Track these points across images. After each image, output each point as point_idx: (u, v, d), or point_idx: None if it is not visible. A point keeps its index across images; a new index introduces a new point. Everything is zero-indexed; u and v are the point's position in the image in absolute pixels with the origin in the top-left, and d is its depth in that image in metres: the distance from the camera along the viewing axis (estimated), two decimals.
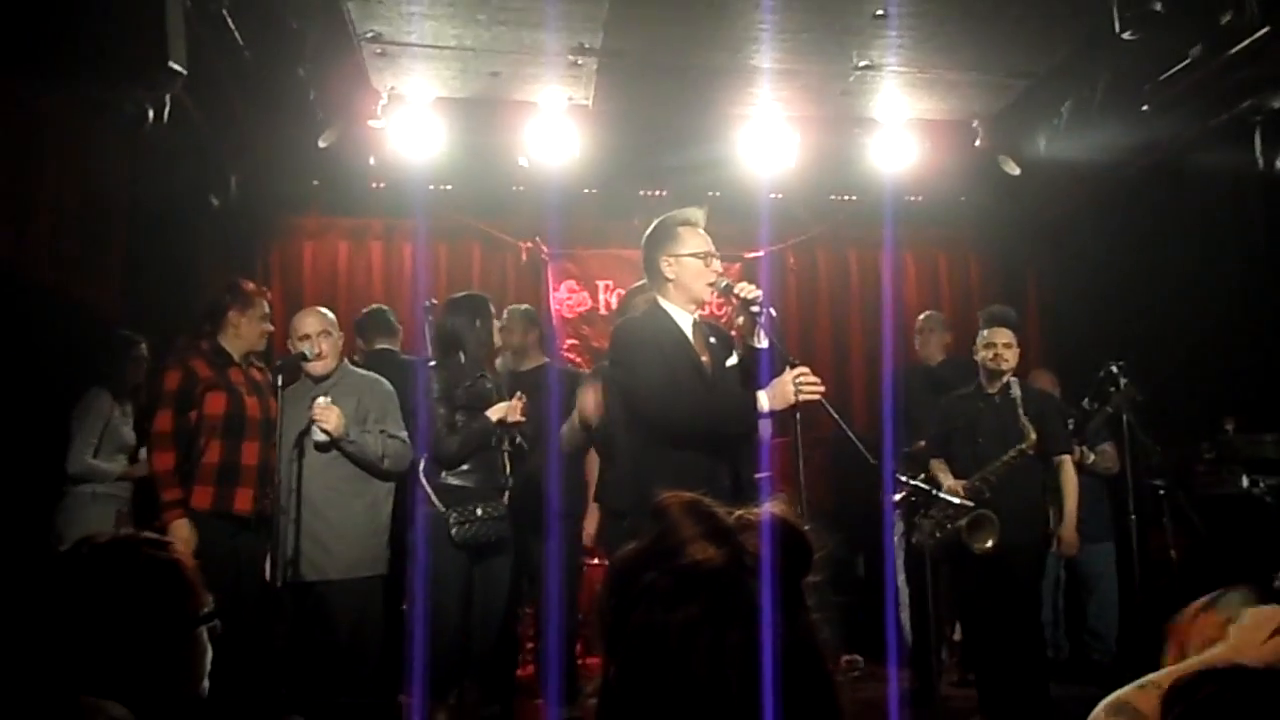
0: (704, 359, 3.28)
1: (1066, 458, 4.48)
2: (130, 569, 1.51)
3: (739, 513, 0.98)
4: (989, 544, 4.19)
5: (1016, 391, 4.39)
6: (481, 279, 6.83)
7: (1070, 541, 4.46)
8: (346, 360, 4.36)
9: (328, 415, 3.96)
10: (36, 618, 1.47)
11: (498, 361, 5.13)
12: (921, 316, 5.91)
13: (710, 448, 3.16)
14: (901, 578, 5.49)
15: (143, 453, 4.49)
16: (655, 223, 3.42)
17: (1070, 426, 5.09)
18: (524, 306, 5.35)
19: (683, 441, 3.13)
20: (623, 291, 6.70)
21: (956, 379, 4.95)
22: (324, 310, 4.37)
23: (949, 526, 4.29)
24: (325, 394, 4.04)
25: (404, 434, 4.15)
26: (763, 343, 3.23)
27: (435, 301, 4.55)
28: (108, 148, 4.82)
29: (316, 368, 4.12)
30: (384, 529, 4.13)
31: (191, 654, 1.57)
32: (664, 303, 3.36)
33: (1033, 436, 4.29)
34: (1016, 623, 4.27)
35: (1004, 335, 4.48)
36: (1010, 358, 4.45)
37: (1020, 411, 4.32)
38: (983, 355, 4.51)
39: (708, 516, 0.95)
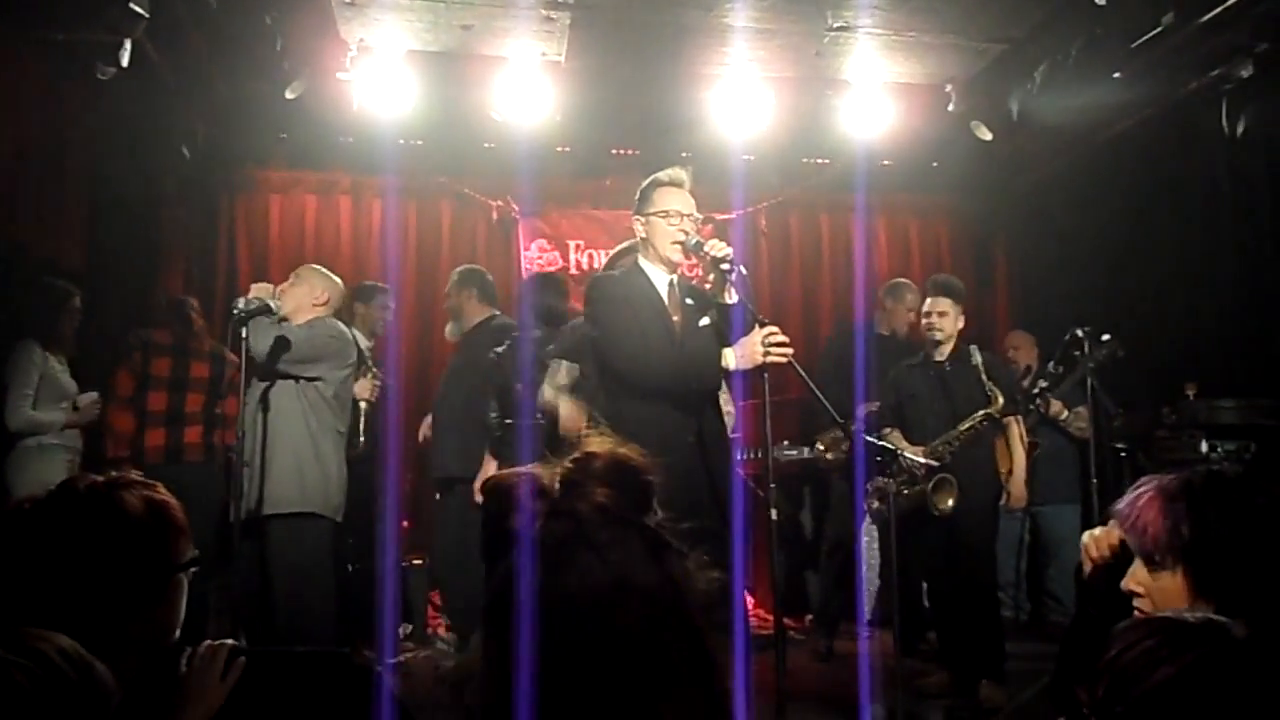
0: (675, 319, 3.31)
1: (1015, 418, 4.58)
2: (121, 510, 1.49)
3: (568, 464, 0.97)
4: (949, 504, 4.28)
5: (978, 359, 4.47)
6: (451, 237, 6.78)
7: (1018, 496, 4.56)
8: (329, 318, 4.30)
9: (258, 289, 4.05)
10: (19, 558, 1.45)
11: (447, 329, 5.18)
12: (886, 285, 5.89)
13: (676, 403, 3.19)
14: (865, 540, 5.57)
15: (82, 399, 4.50)
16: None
17: (1042, 387, 5.17)
18: (458, 270, 5.39)
19: (649, 395, 3.16)
20: (594, 252, 6.72)
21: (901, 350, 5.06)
22: (316, 268, 4.37)
23: (909, 490, 4.36)
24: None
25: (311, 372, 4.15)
26: (732, 298, 3.24)
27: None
28: (71, 97, 4.72)
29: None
30: (325, 472, 4.10)
31: (172, 601, 1.56)
32: (642, 262, 3.42)
33: (1000, 401, 4.40)
34: (972, 580, 4.37)
35: (940, 304, 4.57)
36: (945, 325, 4.54)
37: (984, 377, 4.40)
38: (922, 324, 4.67)
39: (527, 484, 0.95)
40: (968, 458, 4.40)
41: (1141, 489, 1.60)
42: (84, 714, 1.07)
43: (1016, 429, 4.59)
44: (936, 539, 4.45)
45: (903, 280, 5.82)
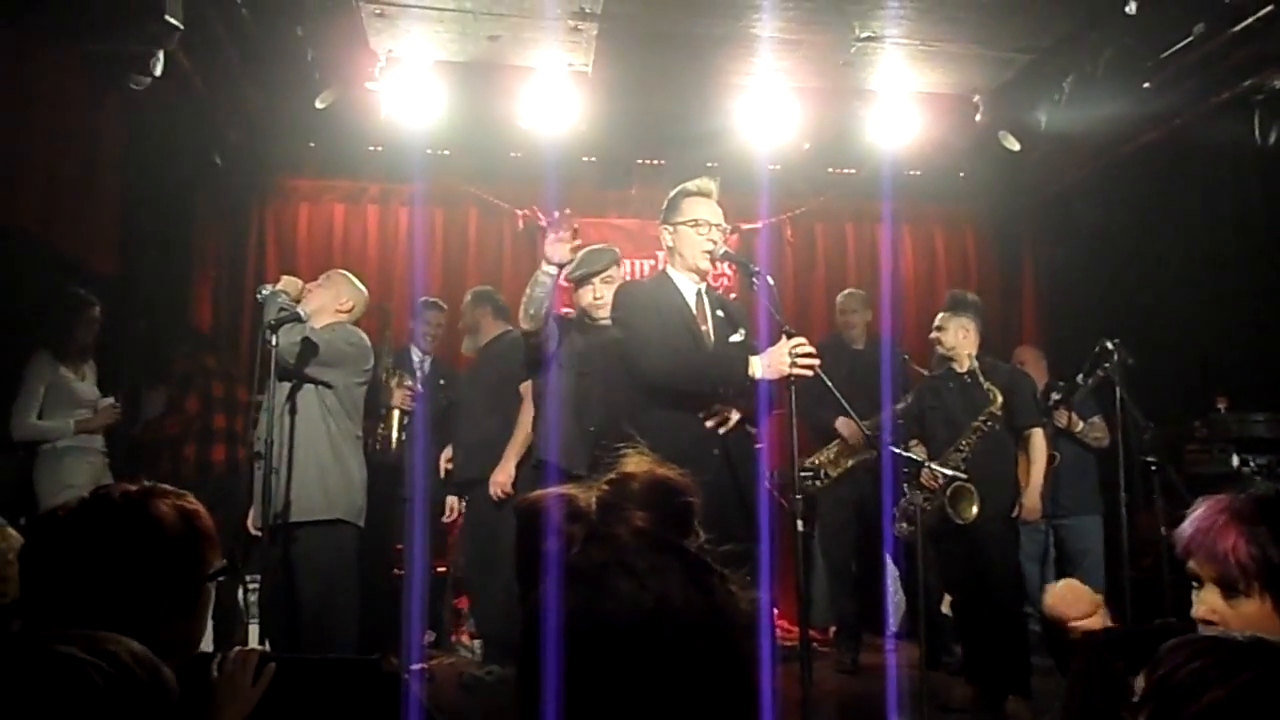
0: (704, 328, 3.31)
1: (1037, 430, 4.57)
2: (155, 520, 1.51)
3: (604, 486, 0.94)
4: (973, 512, 4.27)
5: (974, 365, 4.55)
6: (478, 246, 6.81)
7: (1031, 508, 4.54)
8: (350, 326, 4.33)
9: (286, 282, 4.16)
10: (51, 569, 1.47)
11: (464, 344, 5.29)
12: (841, 295, 5.92)
13: (701, 410, 3.18)
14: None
15: (102, 403, 4.58)
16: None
17: (1054, 399, 5.14)
18: (472, 290, 5.52)
19: (676, 404, 3.16)
20: None
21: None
22: (345, 274, 4.45)
23: (929, 506, 4.36)
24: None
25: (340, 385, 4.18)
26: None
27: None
28: (105, 107, 4.78)
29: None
30: (347, 476, 4.11)
31: (200, 610, 1.57)
32: (670, 270, 3.43)
33: (999, 400, 4.44)
34: (994, 593, 4.34)
35: (942, 318, 4.64)
36: (947, 340, 4.59)
37: (981, 379, 4.43)
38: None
39: (564, 500, 0.93)
40: (988, 469, 4.39)
41: (1206, 513, 1.53)
42: (152, 714, 1.10)
43: (1039, 440, 4.57)
44: (959, 551, 4.44)
45: (854, 291, 5.88)
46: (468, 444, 5.01)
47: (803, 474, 4.99)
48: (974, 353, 4.59)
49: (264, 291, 4.08)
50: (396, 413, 5.02)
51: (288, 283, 4.20)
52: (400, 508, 5.03)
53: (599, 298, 4.12)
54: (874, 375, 4.92)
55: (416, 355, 5.37)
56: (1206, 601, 1.50)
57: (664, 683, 0.83)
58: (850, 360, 5.45)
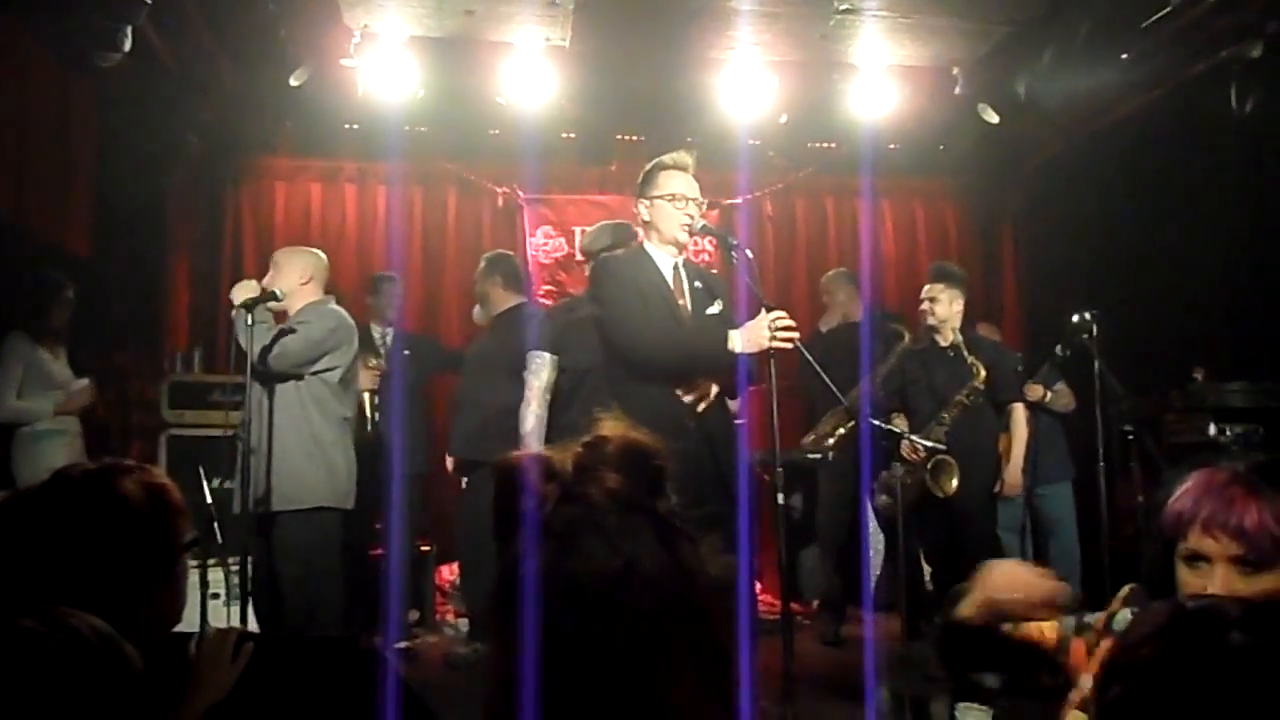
0: (681, 301, 3.29)
1: (1018, 405, 4.58)
2: (119, 495, 1.50)
3: (580, 448, 0.96)
4: (953, 485, 4.30)
5: (958, 338, 4.55)
6: (457, 223, 6.77)
7: (1012, 484, 4.55)
8: (325, 300, 4.30)
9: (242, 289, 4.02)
10: (19, 548, 1.45)
11: (475, 312, 5.19)
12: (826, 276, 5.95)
13: (681, 387, 3.18)
14: (873, 525, 5.59)
15: (74, 385, 4.53)
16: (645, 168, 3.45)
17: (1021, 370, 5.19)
18: (486, 255, 5.36)
19: (654, 378, 3.16)
20: None
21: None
22: (289, 250, 4.38)
23: (910, 479, 4.38)
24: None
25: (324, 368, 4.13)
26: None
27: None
28: (75, 86, 4.71)
29: (277, 307, 4.11)
30: (330, 465, 4.09)
31: (176, 582, 1.57)
32: (647, 245, 3.40)
33: (982, 373, 4.45)
34: (974, 565, 4.35)
35: (934, 290, 4.61)
36: (940, 311, 4.57)
37: (965, 353, 4.44)
38: (919, 310, 4.73)
39: (540, 461, 0.94)
40: (969, 443, 4.40)
41: (1208, 487, 1.45)
42: (112, 688, 1.11)
43: (1020, 415, 4.59)
44: (938, 523, 4.46)
45: (837, 271, 5.90)
46: (469, 423, 4.91)
47: (811, 455, 5.04)
48: (958, 325, 4.60)
49: (246, 319, 3.92)
50: (366, 394, 4.98)
51: (243, 289, 4.06)
52: (378, 486, 5.01)
53: None
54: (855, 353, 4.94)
55: (377, 331, 5.29)
56: (1222, 580, 1.42)
57: (631, 638, 0.85)
58: (835, 339, 5.48)
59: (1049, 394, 5.38)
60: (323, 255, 4.37)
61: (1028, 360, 5.34)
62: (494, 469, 0.96)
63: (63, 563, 1.43)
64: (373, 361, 5.02)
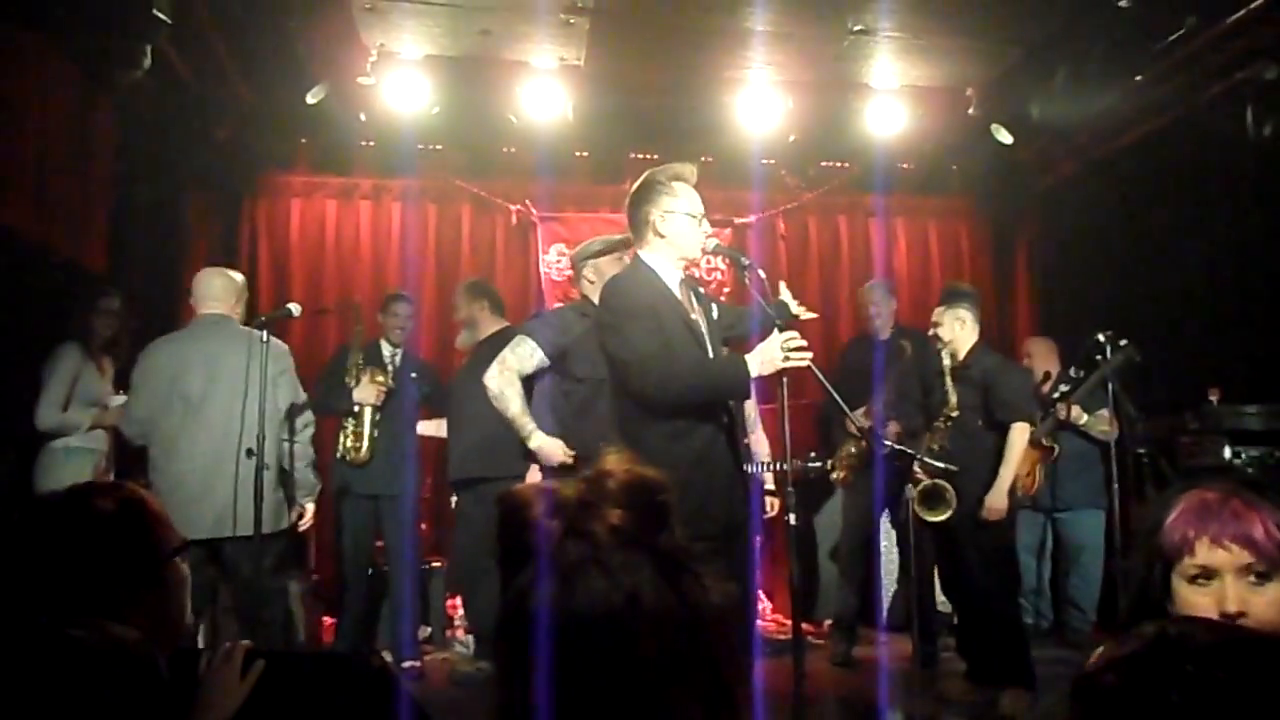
0: (694, 317, 3.24)
1: (1016, 425, 4.40)
2: (91, 510, 1.54)
3: (583, 484, 0.96)
4: (944, 513, 4.25)
5: (945, 362, 4.44)
6: (471, 241, 6.79)
7: (992, 507, 4.33)
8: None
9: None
10: (13, 570, 1.50)
11: (459, 338, 5.23)
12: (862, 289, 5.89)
13: (704, 417, 3.12)
14: (885, 543, 5.57)
15: (112, 400, 4.53)
16: (644, 176, 3.28)
17: (1061, 392, 5.13)
18: (467, 281, 5.46)
19: (672, 412, 3.08)
20: None
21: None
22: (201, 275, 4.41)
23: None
24: None
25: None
26: (795, 309, 3.21)
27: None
28: (95, 103, 4.76)
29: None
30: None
31: (170, 589, 1.58)
32: (649, 259, 3.22)
33: (952, 400, 4.36)
34: (976, 583, 4.31)
35: (941, 313, 4.56)
36: (944, 334, 4.50)
37: (947, 379, 4.39)
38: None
39: (544, 496, 0.94)
40: (964, 461, 4.28)
41: (1207, 504, 1.48)
42: (148, 695, 1.16)
43: (1014, 436, 4.40)
44: (941, 543, 4.42)
45: (875, 282, 5.82)
46: (464, 443, 4.95)
47: (811, 465, 5.00)
48: (974, 343, 4.54)
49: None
50: (369, 410, 5.00)
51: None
52: (375, 505, 5.02)
53: None
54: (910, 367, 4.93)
55: (387, 350, 5.28)
56: (1234, 592, 1.45)
57: (635, 676, 0.86)
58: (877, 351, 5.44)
59: (1086, 417, 5.30)
60: (232, 277, 4.38)
61: (1059, 379, 5.30)
62: (498, 500, 0.97)
63: (44, 577, 1.48)
64: (379, 378, 5.04)
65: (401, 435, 5.06)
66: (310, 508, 4.28)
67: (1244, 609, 1.44)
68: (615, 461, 0.97)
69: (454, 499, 5.15)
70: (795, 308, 3.31)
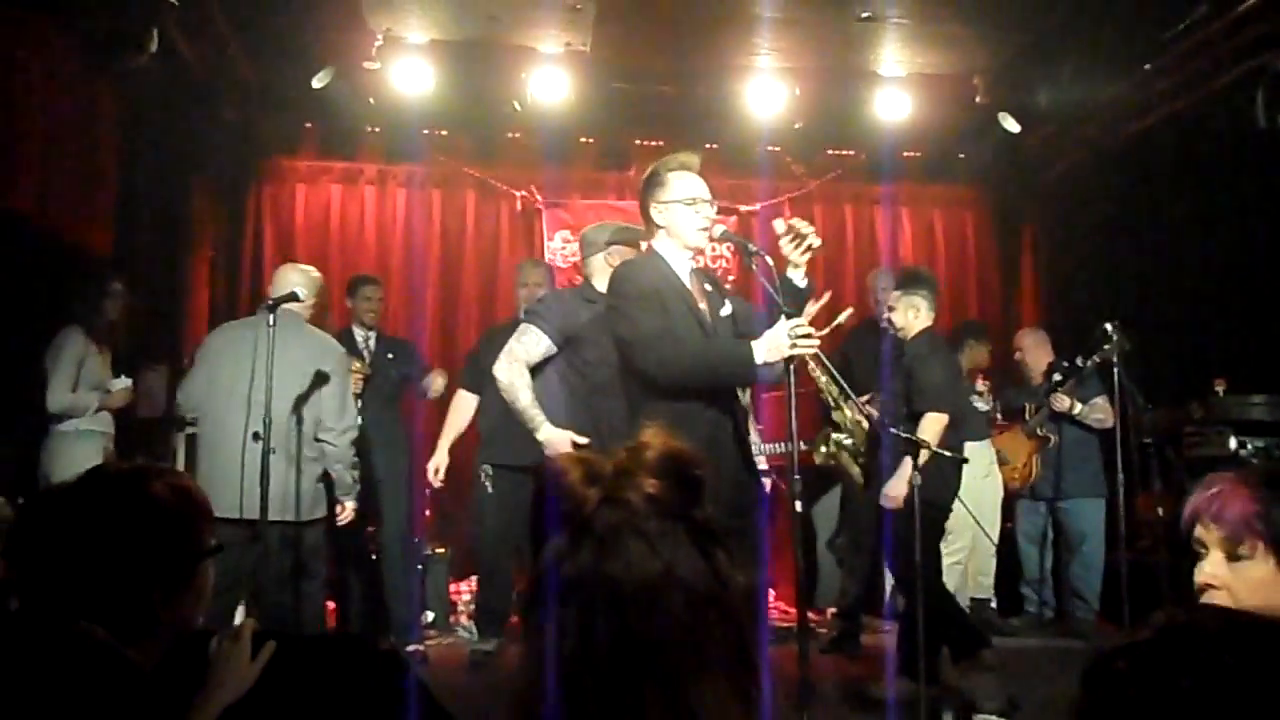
0: (701, 306, 3.26)
1: (927, 415, 4.23)
2: (150, 497, 1.51)
3: (621, 454, 0.97)
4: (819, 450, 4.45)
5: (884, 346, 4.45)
6: (476, 226, 6.79)
7: (888, 495, 4.20)
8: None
9: None
10: (49, 547, 1.47)
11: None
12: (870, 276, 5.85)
13: (708, 400, 3.15)
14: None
15: (114, 384, 4.55)
16: (650, 169, 3.34)
17: (1056, 380, 5.13)
18: (527, 261, 5.48)
19: (679, 393, 3.10)
20: None
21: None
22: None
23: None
24: None
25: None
26: (802, 282, 3.21)
27: None
28: (101, 87, 4.75)
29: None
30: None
31: (199, 586, 1.57)
32: (660, 249, 3.30)
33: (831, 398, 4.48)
34: (900, 570, 4.28)
35: (896, 298, 4.45)
36: (897, 320, 4.41)
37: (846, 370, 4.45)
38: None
39: (582, 464, 0.96)
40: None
41: (1213, 484, 1.57)
42: (118, 695, 1.13)
43: (925, 425, 4.20)
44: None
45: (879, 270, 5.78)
46: (496, 429, 4.82)
47: (804, 446, 4.99)
48: (925, 328, 4.40)
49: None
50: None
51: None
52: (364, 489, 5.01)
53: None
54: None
55: (360, 334, 5.23)
56: (1211, 566, 1.52)
57: (664, 641, 0.87)
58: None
59: (1080, 406, 5.30)
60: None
61: (1053, 369, 5.29)
62: (536, 471, 0.99)
63: (94, 558, 1.44)
64: (355, 365, 4.98)
65: (386, 418, 5.04)
66: (350, 505, 4.30)
67: (1221, 584, 1.52)
68: (652, 434, 0.98)
69: (484, 478, 5.07)
70: (801, 280, 3.28)
